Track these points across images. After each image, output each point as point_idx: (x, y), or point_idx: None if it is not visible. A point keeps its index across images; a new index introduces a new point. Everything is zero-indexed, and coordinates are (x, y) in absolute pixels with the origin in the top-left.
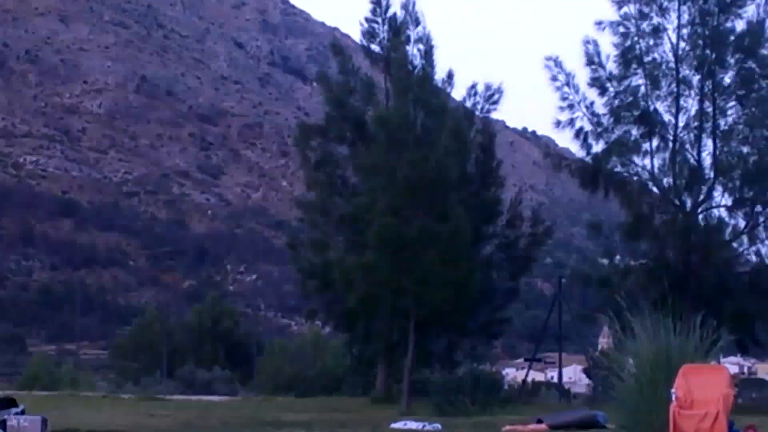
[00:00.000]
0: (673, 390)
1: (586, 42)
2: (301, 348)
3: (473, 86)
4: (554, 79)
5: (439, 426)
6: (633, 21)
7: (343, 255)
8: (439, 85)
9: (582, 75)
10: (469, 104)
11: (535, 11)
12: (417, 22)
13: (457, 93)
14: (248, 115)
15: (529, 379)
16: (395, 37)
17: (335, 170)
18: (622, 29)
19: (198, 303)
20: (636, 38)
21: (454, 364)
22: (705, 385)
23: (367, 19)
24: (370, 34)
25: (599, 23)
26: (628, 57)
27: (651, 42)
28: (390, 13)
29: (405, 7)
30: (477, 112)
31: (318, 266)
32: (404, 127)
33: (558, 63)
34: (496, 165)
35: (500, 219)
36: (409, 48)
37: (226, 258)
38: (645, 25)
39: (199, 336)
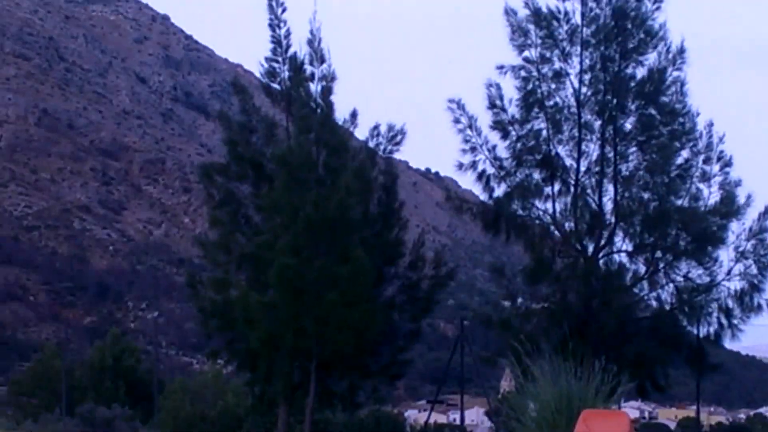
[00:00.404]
0: None
1: (489, 85)
2: (202, 387)
3: (376, 127)
4: (457, 121)
5: None
6: (535, 65)
7: (245, 294)
8: (342, 124)
9: (485, 118)
10: (372, 144)
11: (440, 53)
12: (322, 60)
13: (361, 133)
14: (150, 150)
15: (432, 420)
16: (297, 75)
17: (238, 209)
18: (523, 73)
19: (99, 339)
20: (538, 82)
21: (356, 406)
22: (605, 431)
23: (267, 59)
24: (270, 74)
25: (501, 67)
26: (529, 101)
27: (553, 86)
28: (291, 52)
29: (310, 43)
30: (380, 153)
31: (219, 305)
32: (306, 166)
33: (461, 105)
34: (399, 206)
35: (403, 260)
36: (312, 86)
37: (128, 294)
38: (546, 70)
39: (100, 373)
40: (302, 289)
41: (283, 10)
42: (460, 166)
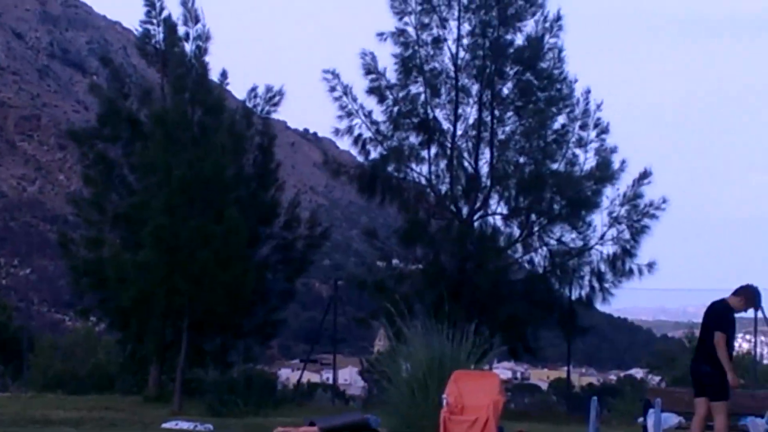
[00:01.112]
0: (444, 395)
1: (363, 54)
2: (73, 344)
3: (254, 88)
4: (332, 90)
5: (210, 426)
6: (414, 31)
7: (118, 253)
8: (218, 84)
9: (362, 84)
10: (249, 105)
11: (321, 16)
12: (196, 20)
13: (238, 93)
14: (26, 106)
15: (305, 380)
16: (171, 35)
17: (111, 168)
18: (402, 39)
19: None
20: (416, 47)
21: (228, 365)
22: (476, 391)
23: (141, 22)
24: (145, 36)
25: (381, 34)
26: (408, 66)
27: (432, 52)
28: (165, 14)
29: (183, 3)
30: (257, 113)
31: (91, 263)
32: (181, 126)
33: (336, 75)
34: (275, 166)
35: (278, 220)
36: (187, 46)
37: (0, 251)
38: (425, 35)
39: None
40: (176, 249)
41: None
42: (337, 131)
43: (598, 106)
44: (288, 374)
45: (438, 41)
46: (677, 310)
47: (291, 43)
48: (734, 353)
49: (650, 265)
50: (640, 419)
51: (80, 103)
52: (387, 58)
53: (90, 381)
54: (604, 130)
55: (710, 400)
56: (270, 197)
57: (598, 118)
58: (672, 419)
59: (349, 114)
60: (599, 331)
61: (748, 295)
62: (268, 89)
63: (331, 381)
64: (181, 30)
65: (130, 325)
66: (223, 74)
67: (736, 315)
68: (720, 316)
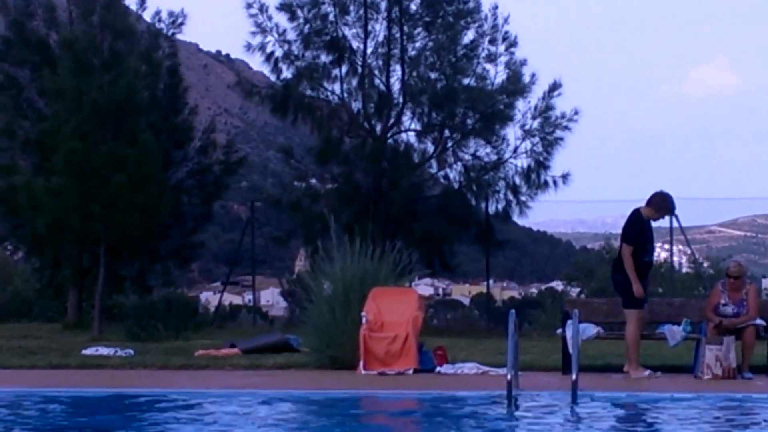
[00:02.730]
0: (363, 313)
1: None
2: None
3: (158, 12)
4: (249, 6)
5: (131, 351)
6: None
7: (30, 179)
8: (131, 8)
9: (275, 3)
10: (158, 26)
11: None
12: None
13: (147, 15)
14: None
15: (227, 302)
16: None
17: (20, 93)
18: None
19: None
20: None
21: (147, 289)
22: (394, 308)
23: None
24: None
25: None
26: None
27: None
28: None
29: None
30: (164, 35)
31: (4, 191)
32: (91, 51)
33: None
34: (184, 90)
35: (193, 144)
36: None
37: None
38: None
39: None
40: (89, 174)
41: None
42: (249, 47)
43: (506, 20)
44: (209, 297)
45: None
46: (595, 222)
47: None
48: (653, 261)
49: (564, 177)
50: (559, 330)
51: None
52: None
53: (8, 309)
54: (513, 44)
55: (622, 306)
56: (182, 121)
57: (507, 32)
58: (590, 330)
59: (263, 31)
60: (519, 245)
61: (658, 202)
62: (171, 13)
63: (252, 303)
64: None
65: (45, 253)
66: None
67: (655, 224)
68: (628, 227)
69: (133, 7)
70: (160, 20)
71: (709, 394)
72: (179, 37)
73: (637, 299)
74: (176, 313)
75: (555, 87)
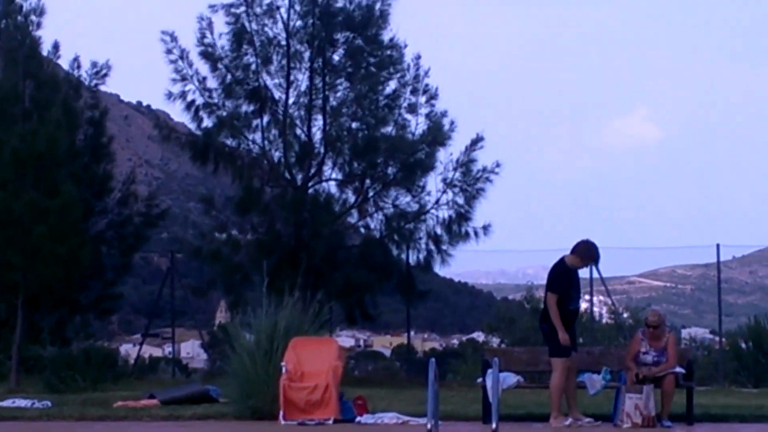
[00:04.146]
0: (283, 363)
1: (200, 19)
2: None
3: (76, 58)
4: (169, 52)
5: (48, 403)
6: (245, 2)
7: None
8: (55, 59)
9: (197, 50)
10: (76, 76)
11: None
12: None
13: (68, 66)
14: None
15: (146, 354)
16: (8, 6)
17: None
18: (234, 10)
19: None
20: (248, 18)
21: (66, 341)
22: (314, 358)
23: None
24: None
25: (212, 6)
26: (240, 36)
27: (264, 21)
28: None
29: None
30: (86, 86)
31: None
32: (12, 100)
33: (174, 37)
34: (108, 140)
35: (113, 195)
36: (21, 18)
37: None
38: (256, 6)
39: None
40: (9, 224)
41: None
42: (170, 95)
43: (426, 72)
44: (129, 349)
45: (270, 9)
46: (516, 273)
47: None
48: (579, 309)
49: (485, 228)
50: (480, 380)
51: None
52: (222, 24)
53: None
54: (434, 96)
55: (549, 355)
56: (103, 171)
57: (427, 84)
58: (511, 378)
59: (184, 78)
60: (441, 296)
61: (583, 251)
62: (94, 64)
63: (172, 355)
64: (17, 2)
65: None
66: (55, 46)
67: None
68: (553, 275)
69: (58, 56)
70: (79, 67)
71: None
72: (101, 87)
73: (563, 348)
74: (95, 364)
75: (477, 140)
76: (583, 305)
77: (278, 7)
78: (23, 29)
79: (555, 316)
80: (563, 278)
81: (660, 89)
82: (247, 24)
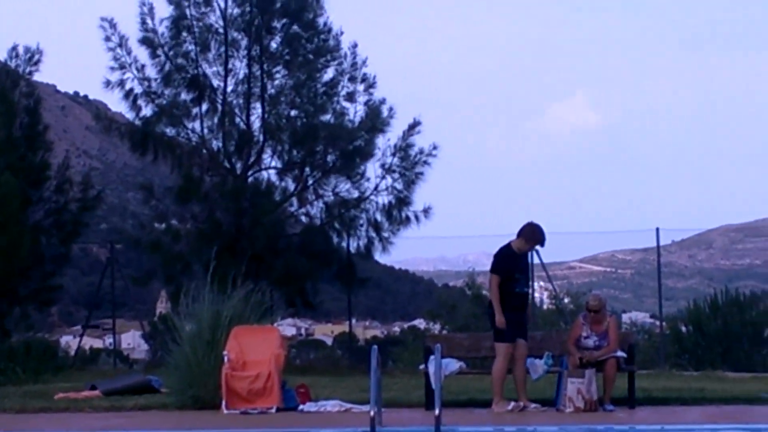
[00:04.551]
0: (225, 352)
1: (142, 3)
2: None
3: (14, 47)
4: (108, 39)
5: None
6: None
7: None
8: None
9: (135, 38)
10: (12, 65)
11: None
12: None
13: (6, 54)
14: None
15: (87, 346)
16: None
17: None
18: None
19: None
20: (188, 3)
21: (5, 333)
22: (256, 347)
23: None
24: None
25: None
26: (179, 22)
27: (203, 9)
28: None
29: None
30: (20, 74)
31: None
32: None
33: (113, 24)
34: (44, 129)
35: (49, 183)
36: None
37: None
38: None
39: None
40: None
41: None
42: (108, 83)
43: (364, 62)
44: (69, 341)
45: None
46: (457, 259)
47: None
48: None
49: (426, 211)
50: (422, 366)
51: None
52: (163, 10)
53: None
54: (372, 85)
55: (493, 340)
56: (39, 160)
57: (365, 73)
58: (453, 365)
59: (122, 67)
60: (382, 284)
61: (528, 233)
62: (27, 49)
63: (113, 346)
64: None
65: None
66: None
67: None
68: (496, 258)
69: None
70: (17, 56)
71: (572, 426)
72: (36, 77)
73: (506, 332)
74: (35, 356)
75: (414, 125)
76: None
77: None
78: None
79: (495, 298)
80: (506, 261)
81: (599, 74)
82: (186, 11)
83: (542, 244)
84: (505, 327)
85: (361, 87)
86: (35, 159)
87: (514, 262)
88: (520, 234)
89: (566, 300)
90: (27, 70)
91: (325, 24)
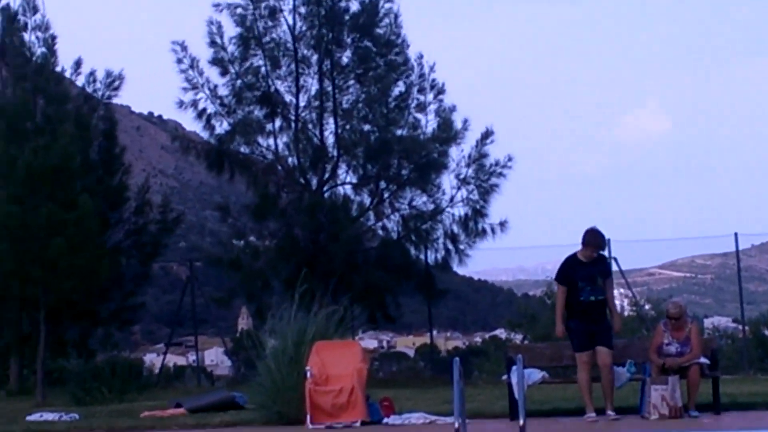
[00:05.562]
0: (307, 367)
1: (210, 23)
2: None
3: (92, 73)
4: (179, 61)
5: (76, 416)
6: (251, 2)
7: None
8: (65, 72)
9: (206, 58)
10: (90, 90)
11: None
12: (35, 10)
13: (80, 79)
14: None
15: (171, 363)
16: (9, 25)
17: None
18: (239, 11)
19: None
20: (254, 19)
21: (90, 353)
22: (338, 361)
23: None
24: None
25: (217, 5)
26: (246, 38)
27: (269, 23)
28: (3, 3)
29: None
30: (99, 99)
31: None
32: (23, 116)
33: (184, 47)
34: (120, 151)
35: (128, 205)
36: (26, 35)
37: None
38: (263, 6)
39: None
40: (27, 238)
41: None
42: (181, 104)
43: (432, 68)
44: (153, 359)
45: (274, 12)
46: (535, 268)
47: (136, 26)
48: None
49: (502, 224)
50: (504, 377)
51: None
52: (231, 29)
53: None
54: (441, 91)
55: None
56: (117, 182)
57: (434, 80)
58: (535, 375)
59: (195, 87)
60: (462, 295)
61: (583, 239)
62: (108, 74)
63: (196, 363)
64: (21, 20)
65: None
66: (77, 63)
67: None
68: (559, 267)
69: (68, 70)
70: (95, 80)
71: None
72: (113, 99)
73: (572, 342)
74: (120, 375)
75: (487, 134)
76: None
77: (281, 10)
78: (29, 46)
79: (557, 306)
80: (565, 269)
81: (671, 81)
82: (253, 25)
83: (601, 248)
84: (561, 335)
85: (431, 96)
86: (113, 181)
87: (575, 270)
88: (581, 241)
89: (647, 307)
90: (106, 94)
91: (398, 36)
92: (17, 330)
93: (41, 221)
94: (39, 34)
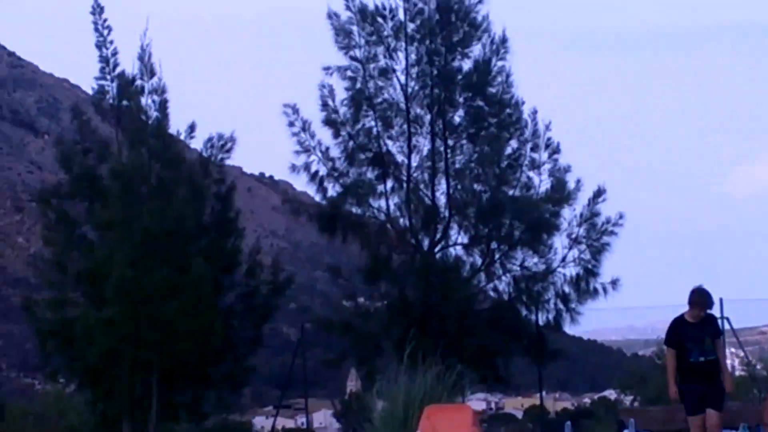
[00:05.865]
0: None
1: (321, 86)
2: (44, 409)
3: (210, 138)
4: (291, 125)
5: None
6: (361, 64)
7: (83, 311)
8: (180, 136)
9: (318, 121)
10: (205, 154)
11: (275, 59)
12: (152, 73)
13: (194, 142)
14: None
15: (279, 426)
16: (126, 90)
17: (73, 227)
18: (350, 73)
19: None
20: (365, 80)
21: (201, 416)
22: (449, 425)
23: (96, 78)
24: (100, 92)
25: (327, 68)
26: (358, 99)
27: (380, 83)
28: (119, 70)
29: (140, 58)
30: (212, 161)
31: (57, 324)
32: (139, 180)
33: (295, 110)
34: (235, 214)
35: (240, 268)
36: (143, 99)
37: None
38: (373, 67)
39: None
40: (141, 301)
41: (109, 32)
42: (294, 167)
43: (547, 126)
44: (262, 422)
45: (386, 72)
46: (645, 328)
47: (247, 88)
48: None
49: (614, 283)
50: None
51: (33, 164)
52: (342, 90)
53: None
54: (556, 150)
55: None
56: (230, 245)
57: (549, 138)
58: None
59: (307, 150)
60: (571, 355)
61: (689, 298)
62: (220, 137)
63: (306, 425)
64: (138, 84)
65: (99, 384)
66: (191, 127)
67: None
68: (667, 331)
69: (182, 133)
70: (212, 146)
71: None
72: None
73: (685, 405)
74: None
75: (599, 193)
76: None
77: (394, 70)
78: (146, 110)
79: (668, 370)
80: (672, 331)
81: None
82: (363, 86)
83: (708, 307)
84: (676, 398)
85: (545, 155)
86: (226, 245)
87: (682, 331)
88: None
89: (758, 366)
90: (219, 157)
91: (510, 97)
92: (130, 394)
93: (156, 284)
94: (155, 97)
